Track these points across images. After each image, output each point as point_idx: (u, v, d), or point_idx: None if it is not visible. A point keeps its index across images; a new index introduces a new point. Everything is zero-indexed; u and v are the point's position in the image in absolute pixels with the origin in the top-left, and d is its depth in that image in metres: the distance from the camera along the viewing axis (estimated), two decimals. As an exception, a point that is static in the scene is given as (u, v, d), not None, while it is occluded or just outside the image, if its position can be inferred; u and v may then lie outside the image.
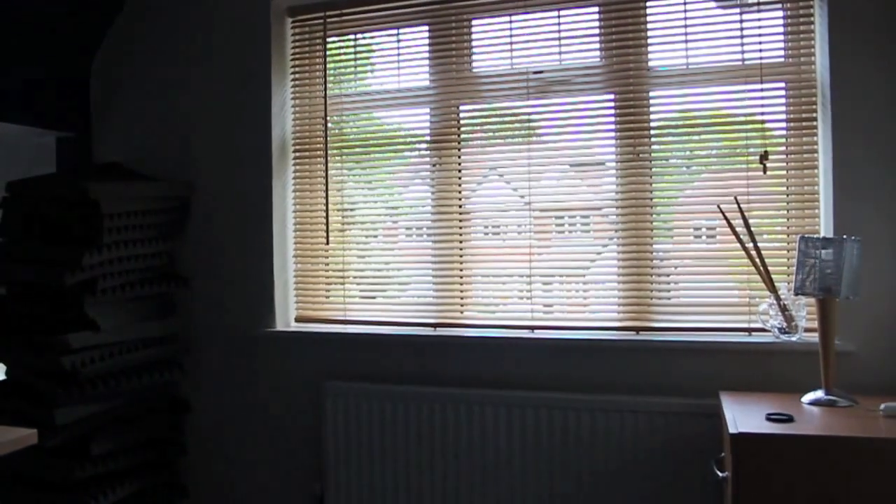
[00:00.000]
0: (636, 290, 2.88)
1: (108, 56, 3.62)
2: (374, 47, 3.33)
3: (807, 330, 2.62)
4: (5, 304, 3.09)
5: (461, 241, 3.12)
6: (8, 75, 3.27)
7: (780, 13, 2.75)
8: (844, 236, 2.37)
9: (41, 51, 3.38)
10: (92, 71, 3.64)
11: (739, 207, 2.67)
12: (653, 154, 2.89)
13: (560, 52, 3.01)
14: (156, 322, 3.24)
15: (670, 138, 2.90)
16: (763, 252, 2.66)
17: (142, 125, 3.53)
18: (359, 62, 3.36)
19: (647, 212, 2.89)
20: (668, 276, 2.90)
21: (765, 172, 2.73)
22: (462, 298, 3.12)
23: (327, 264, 3.32)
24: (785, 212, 2.75)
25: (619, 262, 2.91)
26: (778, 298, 2.63)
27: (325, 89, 3.32)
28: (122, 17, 3.59)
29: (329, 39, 3.34)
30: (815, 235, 2.54)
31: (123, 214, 3.03)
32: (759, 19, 2.76)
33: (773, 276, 2.64)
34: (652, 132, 2.89)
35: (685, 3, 2.85)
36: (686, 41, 2.85)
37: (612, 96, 2.94)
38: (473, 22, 3.14)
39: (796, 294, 2.43)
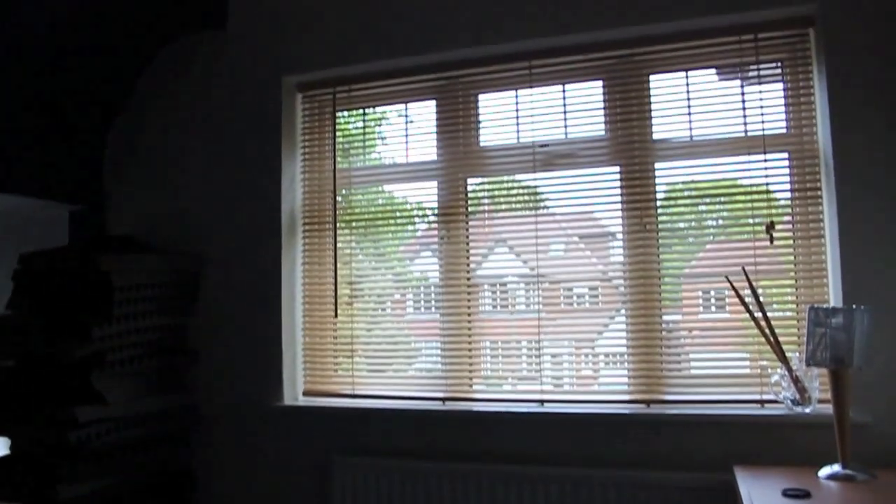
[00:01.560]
0: (646, 363, 2.86)
1: (121, 130, 3.70)
2: (382, 121, 3.40)
3: (820, 401, 2.57)
4: (12, 377, 3.08)
5: (469, 314, 3.12)
6: (23, 149, 3.34)
7: (781, 85, 2.79)
8: (854, 306, 2.35)
9: (56, 126, 3.46)
10: (106, 145, 3.71)
11: (747, 277, 2.67)
12: (659, 224, 2.90)
13: (565, 126, 3.06)
14: (164, 396, 3.22)
15: (676, 208, 2.92)
16: (773, 322, 2.64)
17: (154, 198, 3.58)
18: (368, 136, 3.41)
19: (654, 282, 2.88)
20: (678, 347, 2.87)
21: (771, 242, 2.73)
22: (471, 371, 3.09)
23: (336, 337, 3.32)
24: (793, 281, 2.74)
25: (628, 333, 2.89)
26: (790, 369, 2.60)
27: (335, 163, 3.37)
28: (136, 92, 3.68)
29: (338, 114, 3.40)
30: (825, 305, 2.52)
31: (134, 287, 3.06)
32: (761, 91, 2.80)
33: (783, 347, 2.62)
34: (658, 203, 2.91)
35: (687, 76, 2.90)
36: (689, 113, 2.89)
37: (617, 168, 2.97)
38: (479, 97, 3.20)
39: (808, 365, 2.40)
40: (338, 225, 3.34)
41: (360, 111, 3.40)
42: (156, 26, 3.53)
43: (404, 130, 3.32)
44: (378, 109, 3.39)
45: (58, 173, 3.52)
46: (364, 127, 3.41)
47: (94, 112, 3.63)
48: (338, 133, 3.41)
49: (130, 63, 3.62)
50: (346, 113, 3.42)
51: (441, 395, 3.10)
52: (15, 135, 3.31)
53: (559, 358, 3.06)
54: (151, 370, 3.19)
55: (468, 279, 3.14)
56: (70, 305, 3.02)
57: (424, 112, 3.29)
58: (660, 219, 2.90)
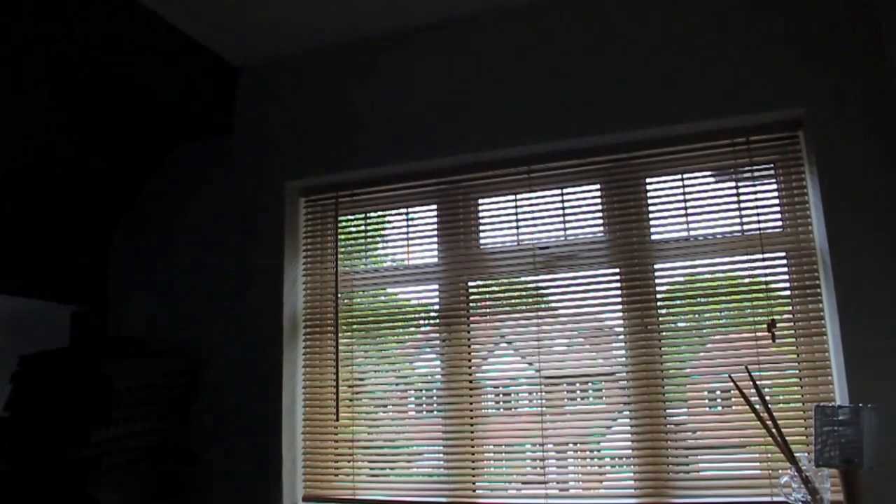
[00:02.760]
0: (652, 464, 2.81)
1: (126, 232, 3.75)
2: (384, 225, 3.45)
3: (833, 503, 2.52)
4: (6, 481, 3.01)
5: (472, 416, 3.08)
6: (25, 249, 3.37)
7: (775, 185, 2.86)
8: (860, 404, 2.33)
9: (60, 226, 3.51)
10: (111, 246, 3.76)
11: (751, 376, 2.65)
12: (661, 324, 2.91)
13: (565, 228, 3.11)
14: (161, 501, 3.14)
15: (677, 308, 2.93)
16: (779, 421, 2.61)
17: (157, 299, 3.59)
18: (369, 239, 3.46)
19: (658, 382, 2.86)
20: (684, 447, 2.83)
21: (773, 341, 2.74)
22: (474, 474, 3.03)
23: (336, 440, 3.27)
24: (798, 379, 2.73)
25: (632, 433, 2.86)
26: (799, 470, 2.55)
27: (337, 265, 3.41)
28: (142, 194, 3.75)
29: (340, 217, 3.46)
30: (831, 404, 2.50)
31: (134, 389, 3.03)
32: (755, 192, 2.87)
33: (791, 447, 2.58)
34: (658, 303, 2.92)
35: (683, 178, 2.97)
36: (686, 214, 2.94)
37: (617, 270, 3.00)
38: (480, 200, 3.26)
39: (817, 465, 2.35)
40: (339, 327, 3.35)
41: (363, 215, 3.46)
42: (163, 132, 3.63)
43: (406, 234, 3.36)
44: (380, 213, 3.45)
45: (60, 274, 3.55)
46: (366, 230, 3.46)
47: (99, 214, 3.69)
48: (340, 236, 3.46)
49: (137, 166, 3.70)
50: (348, 217, 3.48)
51: (444, 499, 3.03)
52: (17, 235, 3.35)
53: (564, 455, 3.01)
54: (150, 475, 3.12)
55: (470, 381, 3.12)
56: (69, 408, 2.99)
57: (426, 215, 3.34)
58: (661, 318, 2.91)
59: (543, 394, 3.02)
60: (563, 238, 3.11)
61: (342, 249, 3.45)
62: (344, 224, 3.48)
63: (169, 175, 3.73)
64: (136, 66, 3.12)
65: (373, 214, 3.46)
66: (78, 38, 2.87)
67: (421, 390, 3.28)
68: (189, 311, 3.51)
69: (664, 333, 2.90)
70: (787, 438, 2.58)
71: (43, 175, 3.35)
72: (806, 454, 2.58)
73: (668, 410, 2.85)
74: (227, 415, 3.33)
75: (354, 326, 3.35)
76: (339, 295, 3.39)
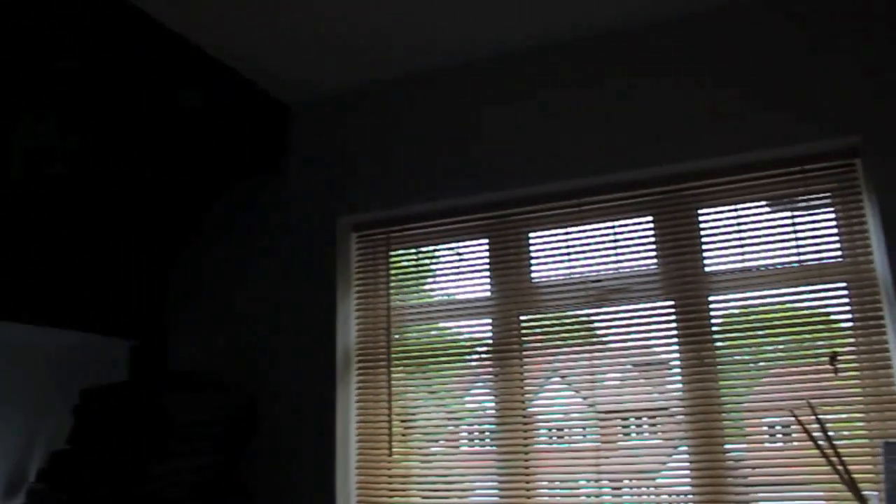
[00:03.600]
0: (712, 500, 2.74)
1: (183, 267, 3.82)
2: (435, 259, 3.46)
3: (904, 543, 2.42)
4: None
5: (526, 451, 3.05)
6: (84, 285, 3.46)
7: (833, 214, 2.80)
8: (930, 438, 2.26)
9: (118, 262, 3.59)
10: (168, 281, 3.83)
11: (814, 411, 2.58)
12: (717, 357, 2.85)
13: (617, 261, 3.08)
14: (215, 537, 3.16)
15: (733, 340, 2.87)
16: (845, 458, 2.52)
17: (213, 333, 3.65)
18: (420, 274, 3.47)
19: (715, 416, 2.80)
20: (745, 484, 2.75)
21: (836, 374, 2.66)
22: (528, 511, 2.99)
23: (390, 476, 3.25)
24: (863, 414, 2.64)
25: (691, 468, 2.80)
26: (867, 508, 2.46)
27: (389, 300, 3.42)
28: (197, 230, 3.83)
29: (392, 252, 3.49)
30: (899, 438, 2.42)
31: (190, 424, 3.06)
32: (813, 220, 2.82)
33: (859, 485, 2.49)
34: (714, 336, 2.87)
35: (737, 209, 2.93)
36: (741, 245, 2.90)
37: (672, 301, 2.96)
38: (530, 234, 3.26)
39: None
40: (391, 361, 3.35)
41: (414, 249, 3.48)
42: (217, 170, 3.71)
43: (457, 268, 3.37)
44: (431, 248, 3.46)
45: (119, 310, 3.63)
46: (417, 265, 3.47)
47: (157, 250, 3.77)
48: (391, 271, 3.48)
49: (192, 204, 3.79)
50: (399, 251, 3.50)
51: (498, 536, 2.99)
52: (77, 271, 3.44)
53: (619, 495, 2.95)
54: (204, 510, 3.15)
55: (523, 415, 3.09)
56: (128, 441, 3.03)
57: (477, 249, 3.35)
58: (717, 351, 2.86)
59: (597, 428, 2.98)
60: (615, 270, 3.08)
61: (393, 284, 3.46)
62: (395, 259, 3.50)
63: (223, 212, 3.80)
64: (191, 107, 3.21)
65: (424, 249, 3.48)
66: (136, 80, 2.96)
67: (472, 424, 3.26)
68: (244, 345, 3.55)
69: (721, 367, 2.85)
70: (854, 476, 2.50)
71: (104, 214, 3.44)
72: (877, 493, 2.49)
73: (726, 446, 2.78)
74: (282, 449, 3.35)
75: (406, 361, 3.35)
76: (391, 329, 3.40)
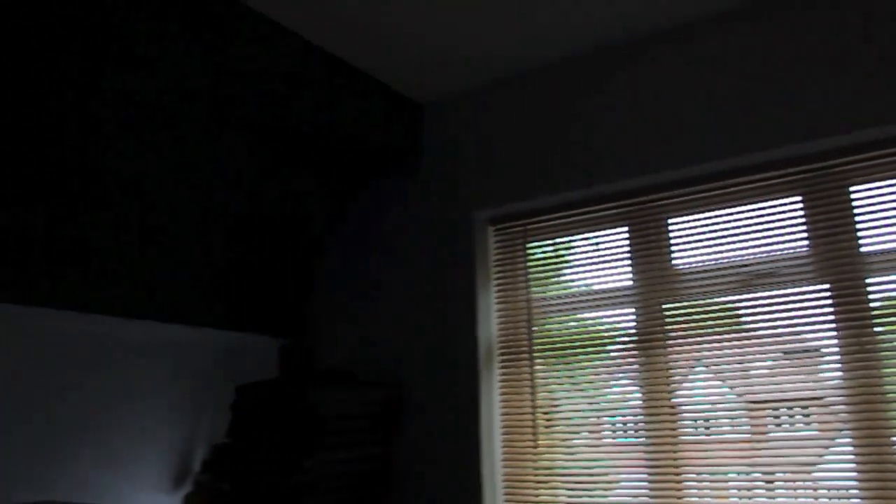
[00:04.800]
0: (882, 497, 2.58)
1: (326, 267, 3.97)
2: (573, 250, 3.43)
3: None
4: (230, 502, 3.26)
5: (674, 443, 2.98)
6: (237, 287, 3.66)
7: None
8: None
9: (267, 266, 3.78)
10: (313, 282, 4.00)
11: None
12: (879, 343, 2.69)
13: (764, 244, 2.96)
14: (367, 526, 3.28)
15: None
16: None
17: (357, 331, 3.77)
18: (559, 264, 3.46)
19: (881, 406, 2.64)
20: (914, 478, 2.59)
21: None
22: (680, 502, 2.92)
23: (536, 468, 3.27)
24: None
25: (856, 461, 2.65)
26: None
27: (528, 292, 3.43)
28: (339, 230, 3.97)
29: (529, 245, 3.49)
30: None
31: (341, 418, 3.19)
32: (984, 195, 2.61)
33: None
34: (874, 320, 2.71)
35: (891, 185, 2.75)
36: (902, 223, 2.72)
37: (825, 285, 2.82)
38: (669, 220, 3.18)
39: None
40: (533, 354, 3.36)
41: (552, 240, 3.47)
42: (357, 170, 3.83)
43: (596, 258, 3.33)
44: (569, 238, 3.44)
45: (269, 310, 3.82)
46: (556, 256, 3.46)
47: (302, 251, 3.94)
48: (529, 263, 3.48)
49: (333, 204, 3.93)
50: (537, 243, 3.50)
51: (647, 529, 2.94)
52: (230, 275, 3.65)
53: (772, 489, 2.84)
54: (357, 500, 3.27)
55: (670, 406, 3.02)
56: (282, 435, 3.19)
57: (616, 238, 3.30)
58: (878, 336, 2.70)
59: (747, 419, 2.87)
60: (762, 254, 2.96)
61: (532, 276, 3.47)
62: (532, 250, 3.50)
63: (362, 211, 3.92)
64: (328, 110, 3.32)
65: (562, 239, 3.46)
66: (274, 88, 3.09)
67: (616, 416, 3.22)
68: (388, 341, 3.66)
69: (883, 353, 2.68)
70: None
71: (250, 218, 3.63)
72: None
73: (894, 438, 2.62)
74: (428, 442, 3.42)
75: (548, 353, 3.35)
76: (532, 322, 3.40)
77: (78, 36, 2.62)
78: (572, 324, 3.37)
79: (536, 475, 3.26)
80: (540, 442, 3.26)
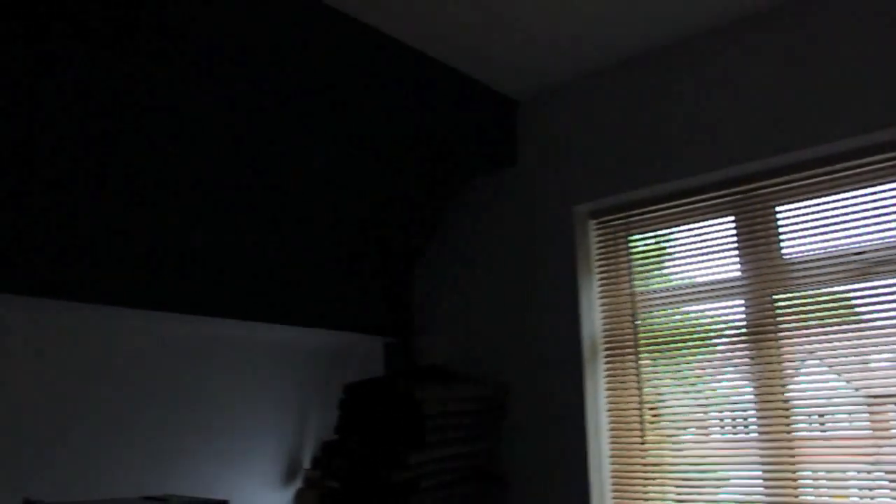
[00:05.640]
0: None
1: (426, 267, 4.02)
2: (677, 241, 3.34)
3: None
4: (339, 498, 3.34)
5: (789, 440, 2.86)
6: (343, 289, 3.75)
7: None
8: None
9: (370, 267, 3.86)
10: (413, 281, 4.05)
11: None
12: None
13: (882, 230, 2.80)
14: (474, 522, 3.30)
15: None
16: None
17: (458, 328, 3.80)
18: (663, 257, 3.38)
19: None
20: None
21: None
22: (797, 501, 2.81)
23: (644, 465, 3.21)
24: None
25: None
26: None
27: (631, 286, 3.37)
28: (437, 230, 4.00)
29: (631, 237, 3.42)
30: None
31: (445, 415, 3.22)
32: None
33: None
34: None
35: None
36: None
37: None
38: (777, 208, 3.05)
39: None
40: (639, 348, 3.30)
41: (654, 232, 3.39)
42: (455, 168, 3.85)
43: (701, 249, 3.24)
44: (672, 229, 3.35)
45: (373, 309, 3.89)
46: (659, 248, 3.38)
47: (402, 253, 4.00)
48: (632, 256, 3.42)
49: (432, 205, 3.96)
50: (639, 235, 3.42)
51: (762, 528, 2.84)
52: (335, 277, 3.74)
53: (900, 489, 2.69)
54: (464, 497, 3.29)
55: (784, 402, 2.91)
56: (388, 432, 3.25)
57: (721, 228, 3.19)
58: None
59: (867, 415, 2.73)
60: (880, 241, 2.80)
61: (635, 269, 3.40)
62: (635, 243, 3.43)
63: (460, 210, 3.94)
64: (426, 111, 3.35)
65: (665, 231, 3.38)
66: (372, 92, 3.14)
67: (723, 412, 3.12)
68: (491, 337, 3.66)
69: None
70: None
71: (355, 221, 3.71)
72: None
73: None
74: (533, 438, 3.41)
75: (653, 347, 3.28)
76: (636, 315, 3.34)
77: (196, 45, 2.74)
78: (677, 317, 3.29)
79: (644, 472, 3.20)
80: (647, 438, 3.20)
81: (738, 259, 3.12)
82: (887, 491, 2.64)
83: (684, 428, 3.16)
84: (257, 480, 3.72)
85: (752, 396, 2.99)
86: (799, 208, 3.01)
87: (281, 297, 3.54)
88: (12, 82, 2.58)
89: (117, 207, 3.03)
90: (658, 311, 3.32)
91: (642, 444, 3.21)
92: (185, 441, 3.50)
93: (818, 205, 2.95)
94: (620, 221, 3.46)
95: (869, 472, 2.69)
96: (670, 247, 3.38)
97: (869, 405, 2.74)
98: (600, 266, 3.50)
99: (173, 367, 3.54)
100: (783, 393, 2.91)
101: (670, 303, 3.28)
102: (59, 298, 2.86)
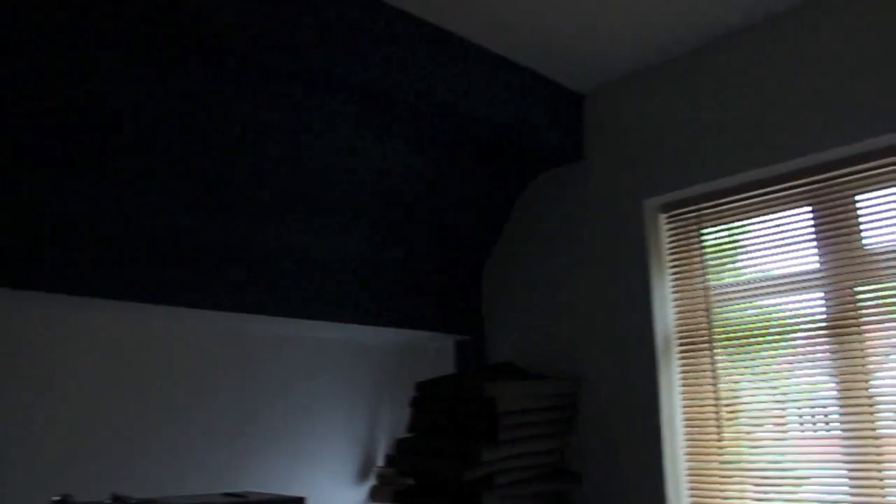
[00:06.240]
0: None
1: (496, 263, 4.02)
2: (752, 234, 3.26)
3: None
4: (413, 495, 3.37)
5: (876, 437, 2.76)
6: (414, 290, 3.77)
7: None
8: None
9: (439, 267, 3.87)
10: (482, 280, 4.05)
11: None
12: None
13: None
14: (549, 520, 3.28)
15: None
16: None
17: (528, 325, 3.79)
18: (736, 250, 3.30)
19: None
20: None
21: None
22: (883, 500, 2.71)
23: (721, 462, 3.13)
24: None
25: None
26: None
27: (705, 280, 3.30)
28: (505, 229, 3.99)
29: (703, 230, 3.35)
30: None
31: (518, 412, 3.21)
32: None
33: None
34: None
35: None
36: None
37: None
38: (857, 198, 2.95)
39: None
40: (714, 343, 3.23)
41: (727, 225, 3.31)
42: (522, 165, 3.83)
43: (777, 241, 3.15)
44: (746, 221, 3.27)
45: (443, 307, 3.90)
46: (732, 241, 3.30)
47: (471, 250, 4.00)
48: (705, 249, 3.35)
49: (500, 202, 3.95)
50: (711, 229, 3.35)
51: (848, 529, 2.75)
52: (406, 276, 3.76)
53: None
54: (539, 494, 3.28)
55: (869, 398, 2.80)
56: (460, 429, 3.25)
57: (798, 219, 3.10)
58: None
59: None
60: (969, 229, 2.68)
61: (708, 263, 3.33)
62: (707, 236, 3.36)
63: (529, 206, 3.92)
64: (493, 108, 3.34)
65: (738, 223, 3.29)
66: (440, 91, 3.15)
67: (803, 408, 3.02)
68: (561, 334, 3.64)
69: None
70: None
71: (426, 222, 3.73)
72: None
73: None
74: (607, 435, 3.38)
75: (729, 341, 3.21)
76: (710, 310, 3.27)
77: (278, 54, 2.80)
78: (753, 311, 3.21)
79: (721, 470, 3.13)
80: (724, 435, 3.13)
81: (816, 250, 3.03)
82: (982, 490, 2.53)
83: (761, 424, 3.08)
84: (332, 478, 3.78)
85: (833, 392, 2.90)
86: (880, 197, 2.90)
87: (353, 297, 3.59)
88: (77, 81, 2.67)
89: (212, 217, 3.12)
90: (733, 305, 3.24)
91: (719, 441, 3.14)
92: (262, 439, 3.58)
93: (901, 193, 2.84)
94: (692, 215, 3.40)
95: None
96: (744, 239, 3.29)
97: (960, 401, 2.62)
98: (672, 260, 3.43)
99: (250, 367, 3.63)
100: (867, 389, 2.82)
101: (746, 296, 3.20)
102: (145, 302, 2.96)
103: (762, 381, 3.12)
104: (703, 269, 3.33)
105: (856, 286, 2.91)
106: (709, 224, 3.35)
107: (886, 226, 2.86)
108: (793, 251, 3.09)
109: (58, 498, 2.52)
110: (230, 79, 2.85)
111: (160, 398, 3.33)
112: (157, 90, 2.77)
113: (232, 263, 3.22)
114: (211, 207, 3.13)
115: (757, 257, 3.21)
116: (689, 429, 3.25)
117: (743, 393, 3.14)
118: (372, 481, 3.92)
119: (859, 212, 2.94)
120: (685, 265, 3.39)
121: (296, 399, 3.74)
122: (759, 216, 3.22)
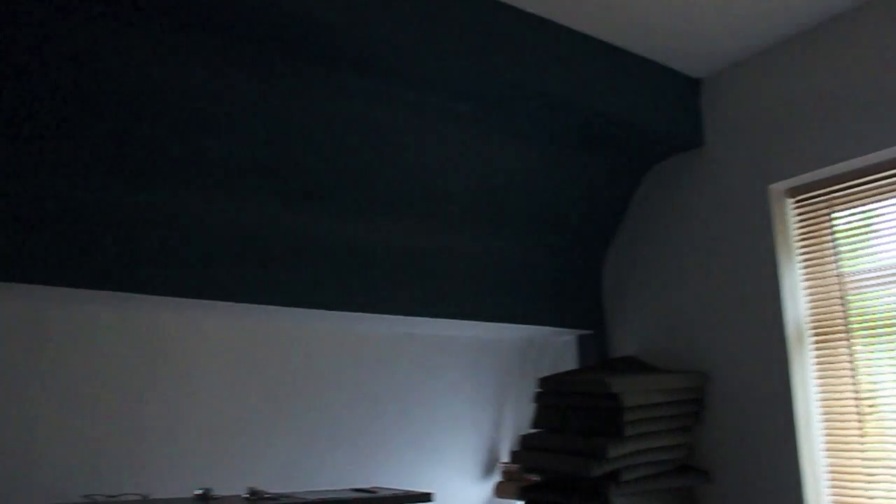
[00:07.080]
0: None
1: (615, 256, 3.95)
2: (887, 216, 3.07)
3: None
4: (541, 491, 3.36)
5: None
6: (537, 286, 3.76)
7: None
8: None
9: (561, 263, 3.84)
10: (603, 274, 3.99)
11: None
12: None
13: None
14: (679, 515, 3.21)
15: None
16: None
17: (651, 318, 3.71)
18: (871, 235, 3.12)
19: None
20: None
21: None
22: None
23: (864, 459, 2.97)
24: None
25: None
26: None
27: (838, 266, 3.14)
28: (624, 221, 3.92)
29: (834, 214, 3.19)
30: None
31: (644, 407, 3.15)
32: None
33: None
34: None
35: None
36: None
37: None
38: None
39: None
40: (851, 333, 3.06)
41: (861, 208, 3.13)
42: (638, 157, 3.76)
43: (918, 223, 2.96)
44: (881, 203, 3.08)
45: (565, 303, 3.87)
46: (867, 225, 3.13)
47: (591, 244, 3.95)
48: (837, 234, 3.18)
49: (618, 194, 3.89)
50: (843, 212, 3.18)
51: None
52: (527, 272, 3.75)
53: None
54: (665, 489, 3.21)
55: None
56: (585, 425, 3.22)
57: (940, 198, 2.91)
58: None
59: None
60: None
61: (841, 248, 3.16)
62: (839, 220, 3.19)
63: (647, 197, 3.84)
64: (612, 98, 3.29)
65: (872, 206, 3.11)
66: (558, 84, 3.13)
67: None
68: (685, 326, 3.55)
69: None
70: None
71: (545, 217, 3.71)
72: None
73: None
74: (738, 431, 3.27)
75: (867, 331, 3.04)
76: (845, 298, 3.11)
77: (395, 58, 2.86)
78: (891, 298, 3.02)
79: (865, 468, 2.97)
80: (866, 431, 2.97)
81: (963, 231, 2.83)
82: None
83: (908, 419, 2.91)
84: (458, 474, 3.82)
85: None
86: None
87: (475, 294, 3.61)
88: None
89: (333, 220, 3.21)
90: (871, 292, 3.06)
91: (861, 437, 2.98)
92: (389, 436, 3.66)
93: None
94: (822, 198, 3.23)
95: None
96: (880, 223, 3.11)
97: None
98: (802, 247, 3.28)
99: (376, 365, 3.71)
100: None
101: (883, 283, 3.02)
102: (262, 304, 3.08)
103: (907, 372, 2.94)
104: (835, 255, 3.17)
105: None
106: (840, 207, 3.18)
107: None
108: (936, 233, 2.90)
109: (200, 491, 2.67)
110: (339, 82, 2.92)
111: (288, 398, 3.46)
112: (267, 91, 2.87)
113: (357, 265, 3.30)
114: (327, 210, 3.21)
115: (894, 241, 3.03)
116: (828, 423, 3.10)
117: (885, 385, 2.97)
118: (497, 477, 3.94)
119: None
120: (816, 252, 3.23)
121: (420, 396, 3.80)
122: (895, 197, 3.03)
